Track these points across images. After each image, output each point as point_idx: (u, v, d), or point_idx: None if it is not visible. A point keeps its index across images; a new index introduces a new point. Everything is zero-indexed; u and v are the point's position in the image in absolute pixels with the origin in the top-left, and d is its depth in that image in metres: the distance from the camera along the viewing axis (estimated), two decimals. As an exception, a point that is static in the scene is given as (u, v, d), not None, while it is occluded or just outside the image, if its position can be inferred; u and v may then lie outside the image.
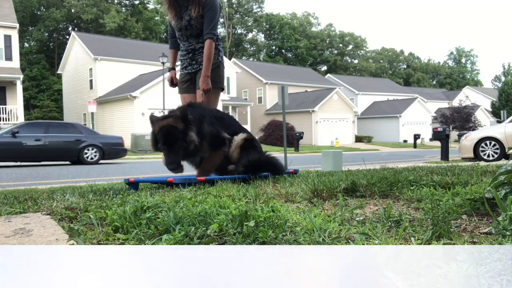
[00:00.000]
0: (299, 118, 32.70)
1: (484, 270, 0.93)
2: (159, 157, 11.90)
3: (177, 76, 3.85)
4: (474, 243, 1.26)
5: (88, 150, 12.64)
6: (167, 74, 4.25)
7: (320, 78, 44.79)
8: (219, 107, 26.52)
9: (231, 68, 32.70)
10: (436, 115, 40.66)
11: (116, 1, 53.16)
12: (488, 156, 10.21)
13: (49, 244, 1.31)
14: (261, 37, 67.81)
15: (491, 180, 1.70)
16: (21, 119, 21.64)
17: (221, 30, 64.82)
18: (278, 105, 32.60)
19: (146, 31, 52.86)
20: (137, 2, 54.03)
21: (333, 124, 33.79)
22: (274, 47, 66.35)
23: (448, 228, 1.33)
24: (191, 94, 3.64)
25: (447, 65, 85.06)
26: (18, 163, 12.95)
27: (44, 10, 47.97)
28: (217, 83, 3.54)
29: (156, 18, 56.09)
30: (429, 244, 1.19)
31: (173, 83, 3.80)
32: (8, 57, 21.99)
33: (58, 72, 35.21)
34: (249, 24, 65.40)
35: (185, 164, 3.14)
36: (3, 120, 21.27)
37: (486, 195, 1.67)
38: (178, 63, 3.70)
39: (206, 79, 3.40)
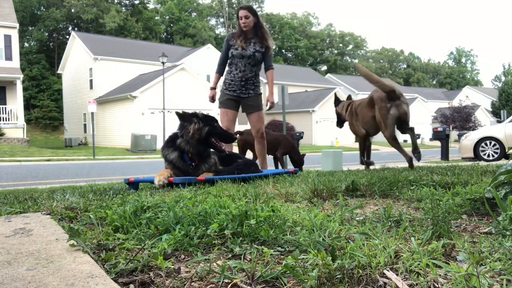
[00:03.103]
0: (299, 118, 32.70)
1: (484, 270, 0.93)
2: (159, 157, 11.90)
3: (217, 95, 4.76)
4: (474, 243, 1.25)
5: None
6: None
7: (320, 78, 44.77)
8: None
9: (231, 68, 32.62)
10: (436, 115, 40.64)
11: (116, 1, 53.14)
12: (488, 156, 10.21)
13: (49, 244, 1.31)
14: (261, 37, 67.65)
15: (491, 180, 1.69)
16: (21, 119, 21.64)
17: (221, 30, 64.86)
18: (278, 105, 32.60)
19: (146, 31, 52.82)
20: (137, 2, 54.01)
21: (333, 124, 33.65)
22: (274, 47, 66.25)
23: (448, 228, 1.33)
24: (233, 111, 4.59)
25: (447, 65, 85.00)
26: (18, 163, 12.94)
27: (44, 10, 47.95)
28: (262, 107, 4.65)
29: (156, 18, 56.07)
30: (429, 244, 1.19)
31: (213, 99, 4.74)
32: (8, 57, 21.98)
33: (58, 72, 35.20)
34: (249, 24, 65.23)
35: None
36: (3, 120, 21.27)
37: (486, 195, 1.67)
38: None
39: (272, 95, 4.58)
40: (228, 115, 4.59)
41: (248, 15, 4.46)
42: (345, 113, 4.70)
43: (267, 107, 4.65)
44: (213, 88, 4.76)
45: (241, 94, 4.58)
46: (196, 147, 3.34)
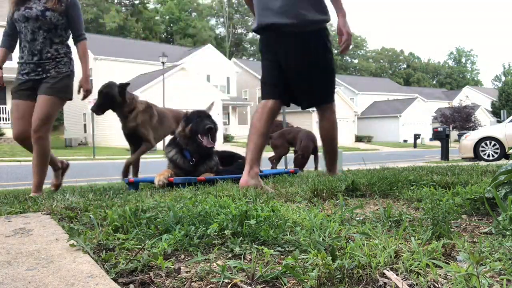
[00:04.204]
0: (299, 118, 32.67)
1: (484, 270, 0.93)
2: (159, 157, 11.89)
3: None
4: (474, 243, 1.26)
5: None
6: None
7: (320, 78, 44.66)
8: (219, 107, 26.49)
9: (231, 68, 32.67)
10: (436, 115, 40.64)
11: (116, 1, 53.17)
12: (488, 156, 10.21)
13: (49, 244, 1.31)
14: (261, 37, 67.69)
15: (491, 180, 1.69)
16: (21, 119, 21.59)
17: (221, 30, 64.83)
18: (278, 105, 32.52)
19: (146, 31, 52.85)
20: (137, 2, 54.03)
21: (333, 124, 33.71)
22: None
23: (448, 228, 1.33)
24: (29, 101, 3.15)
25: (447, 65, 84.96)
26: (18, 163, 12.94)
27: (44, 10, 47.94)
28: (66, 93, 3.23)
29: (156, 18, 56.09)
30: (429, 244, 1.19)
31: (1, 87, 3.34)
32: (8, 57, 21.95)
33: (58, 72, 35.15)
34: (249, 23, 65.35)
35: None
36: (3, 120, 21.26)
37: (486, 195, 1.67)
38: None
39: (88, 80, 3.45)
40: (20, 109, 3.15)
41: None
42: (139, 106, 4.40)
43: (82, 97, 3.40)
44: None
45: (36, 77, 3.15)
46: (189, 146, 3.39)
